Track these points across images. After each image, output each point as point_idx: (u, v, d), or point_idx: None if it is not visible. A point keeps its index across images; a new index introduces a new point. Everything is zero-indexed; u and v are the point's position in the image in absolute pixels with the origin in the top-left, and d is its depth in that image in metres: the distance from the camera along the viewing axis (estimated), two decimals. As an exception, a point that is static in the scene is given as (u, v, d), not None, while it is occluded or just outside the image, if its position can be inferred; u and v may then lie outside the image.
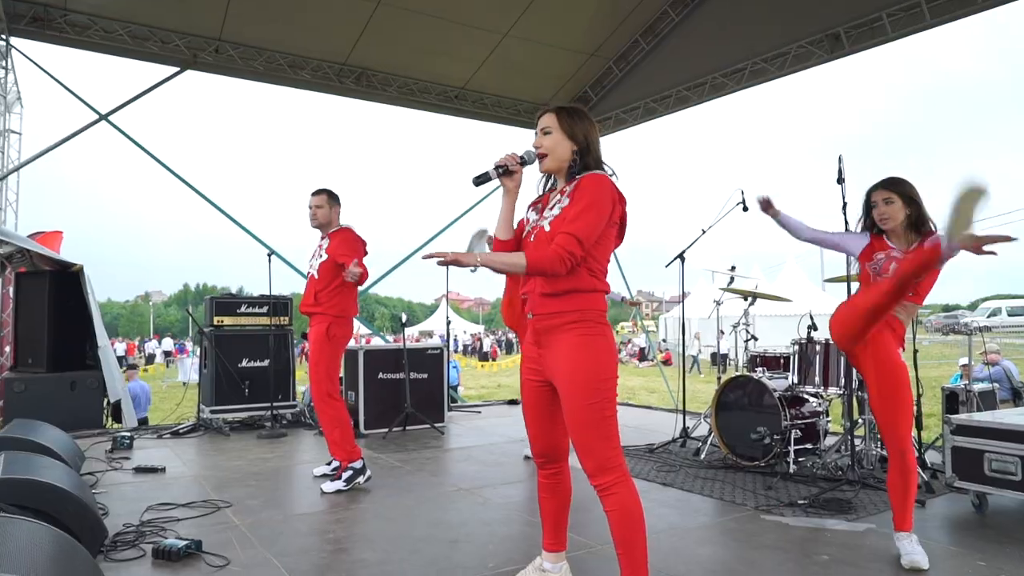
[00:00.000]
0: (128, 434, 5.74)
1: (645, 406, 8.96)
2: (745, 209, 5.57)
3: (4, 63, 6.63)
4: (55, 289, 7.17)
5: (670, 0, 8.02)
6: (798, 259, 28.29)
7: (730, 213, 5.77)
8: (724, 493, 4.18)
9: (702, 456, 5.18)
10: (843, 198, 4.42)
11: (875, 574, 2.89)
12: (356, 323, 4.86)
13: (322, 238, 4.56)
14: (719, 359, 7.97)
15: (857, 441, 4.62)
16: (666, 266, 5.69)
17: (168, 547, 3.08)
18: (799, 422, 4.73)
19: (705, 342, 23.66)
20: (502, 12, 7.68)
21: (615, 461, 2.31)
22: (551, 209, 2.43)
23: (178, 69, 7.27)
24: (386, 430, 6.33)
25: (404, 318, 8.95)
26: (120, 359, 31.90)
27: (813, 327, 4.75)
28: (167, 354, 33.42)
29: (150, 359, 32.30)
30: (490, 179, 2.47)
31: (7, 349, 7.96)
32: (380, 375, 6.48)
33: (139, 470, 4.80)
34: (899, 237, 3.24)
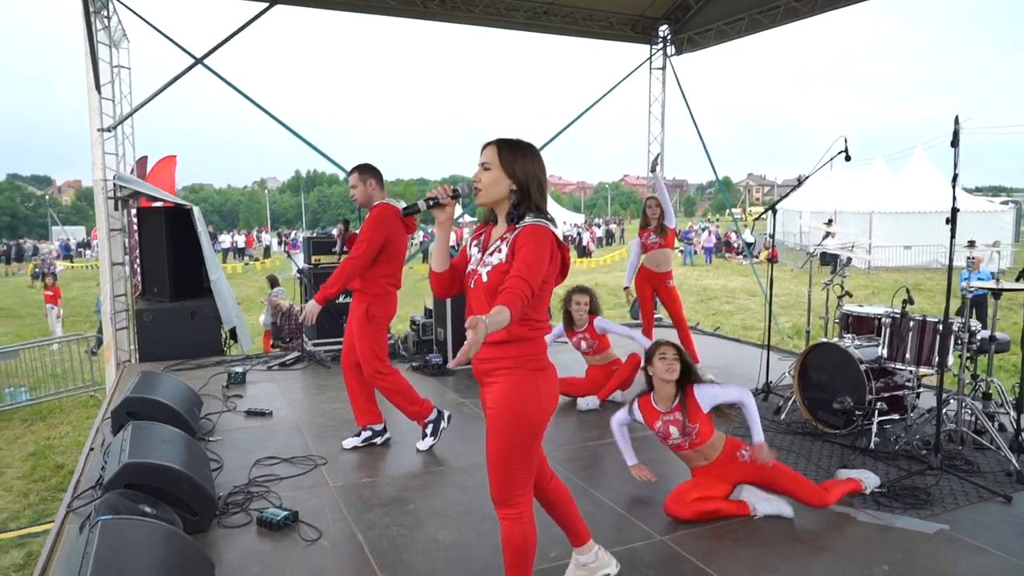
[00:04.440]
0: (241, 369, 6.31)
1: (734, 339, 8.83)
2: (848, 159, 5.21)
3: (106, 12, 6.87)
4: (171, 223, 7.74)
5: None
6: (928, 149, 25.87)
7: (832, 161, 5.43)
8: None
9: (782, 416, 5.15)
10: (955, 167, 4.04)
11: (934, 597, 2.88)
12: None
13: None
14: (828, 258, 7.70)
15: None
16: (756, 219, 5.45)
17: (269, 518, 3.48)
18: (885, 394, 4.59)
19: (815, 240, 22.62)
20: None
21: (518, 499, 2.46)
22: (490, 255, 2.45)
23: (267, 5, 7.29)
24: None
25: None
26: (240, 251, 34.29)
27: (909, 300, 4.48)
28: (283, 244, 35.51)
29: (267, 251, 34.43)
30: (419, 211, 2.53)
31: (138, 271, 8.76)
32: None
33: (249, 413, 5.33)
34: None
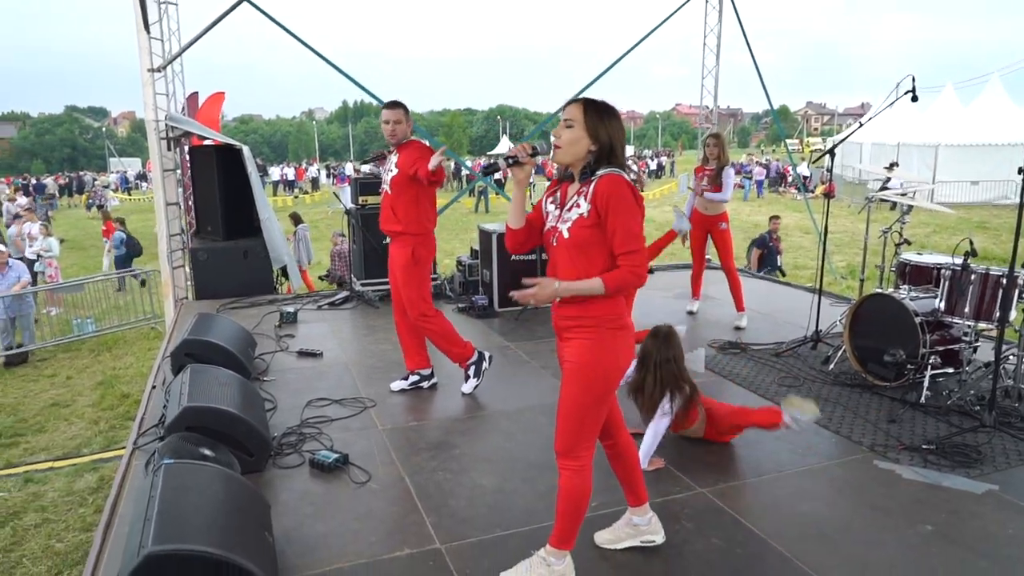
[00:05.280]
0: (292, 309, 6.48)
1: (784, 283, 8.64)
2: (914, 99, 4.94)
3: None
4: (222, 162, 7.84)
5: None
6: (1004, 77, 24.23)
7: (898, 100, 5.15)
8: (842, 425, 4.13)
9: (831, 366, 5.07)
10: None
11: (973, 559, 2.86)
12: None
13: (391, 153, 4.52)
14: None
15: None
16: (813, 161, 5.24)
17: (321, 460, 3.63)
18: (940, 348, 4.46)
19: (875, 174, 21.60)
20: None
21: (581, 452, 2.53)
22: (568, 210, 2.46)
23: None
24: (520, 309, 6.68)
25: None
26: (290, 183, 34.68)
27: (972, 252, 4.28)
28: (331, 178, 35.76)
29: (315, 183, 34.72)
30: (499, 169, 2.57)
31: (191, 209, 8.97)
32: (513, 257, 6.70)
33: (301, 354, 5.50)
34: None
